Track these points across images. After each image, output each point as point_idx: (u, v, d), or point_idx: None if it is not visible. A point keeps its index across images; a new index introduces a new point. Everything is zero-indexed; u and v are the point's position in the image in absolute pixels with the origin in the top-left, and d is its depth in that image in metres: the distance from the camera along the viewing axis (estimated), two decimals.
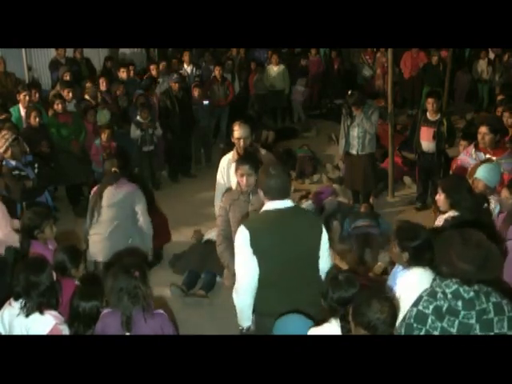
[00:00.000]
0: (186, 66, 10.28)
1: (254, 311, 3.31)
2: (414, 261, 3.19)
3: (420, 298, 2.66)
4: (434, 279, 2.71)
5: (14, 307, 3.22)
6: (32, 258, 3.60)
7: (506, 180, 4.63)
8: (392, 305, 2.54)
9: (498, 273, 2.66)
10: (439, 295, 2.59)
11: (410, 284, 3.11)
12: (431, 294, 2.64)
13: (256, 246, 3.12)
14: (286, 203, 3.23)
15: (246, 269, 3.17)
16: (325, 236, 3.32)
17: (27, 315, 3.14)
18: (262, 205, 3.32)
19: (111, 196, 4.89)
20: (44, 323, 3.12)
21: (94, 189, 5.07)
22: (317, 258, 3.31)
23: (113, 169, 5.09)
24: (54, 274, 3.36)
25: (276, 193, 3.21)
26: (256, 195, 3.66)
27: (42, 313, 3.14)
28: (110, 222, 4.90)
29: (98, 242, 4.90)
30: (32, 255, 3.88)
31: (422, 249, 3.18)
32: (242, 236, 3.15)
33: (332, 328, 2.74)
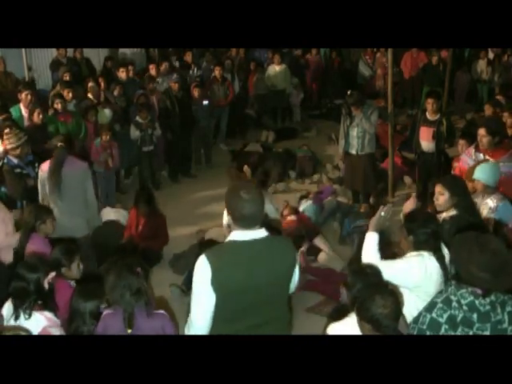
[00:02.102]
0: None
1: None
2: (419, 245, 3.31)
3: (434, 305, 2.64)
4: (449, 284, 2.70)
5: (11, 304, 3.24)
6: (27, 259, 3.58)
7: (503, 182, 4.61)
8: (395, 300, 2.58)
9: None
10: (454, 304, 2.57)
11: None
12: (445, 301, 2.61)
13: (218, 284, 2.64)
14: (258, 233, 2.74)
15: (201, 309, 2.71)
16: (297, 263, 2.88)
17: (16, 319, 3.14)
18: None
19: (65, 175, 5.00)
20: (34, 324, 3.10)
21: (44, 167, 5.07)
22: (287, 290, 2.88)
23: (59, 144, 5.12)
24: (52, 275, 3.34)
25: (249, 221, 2.71)
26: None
27: (30, 315, 3.14)
28: (71, 200, 5.03)
29: (66, 221, 4.97)
30: (29, 254, 3.87)
31: (428, 236, 3.31)
32: (203, 271, 2.65)
33: (353, 322, 2.78)
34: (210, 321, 2.71)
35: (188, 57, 10.30)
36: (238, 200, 2.68)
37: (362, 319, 2.64)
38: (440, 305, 2.62)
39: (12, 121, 6.33)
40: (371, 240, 3.42)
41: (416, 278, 3.21)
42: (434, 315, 2.62)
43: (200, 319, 2.72)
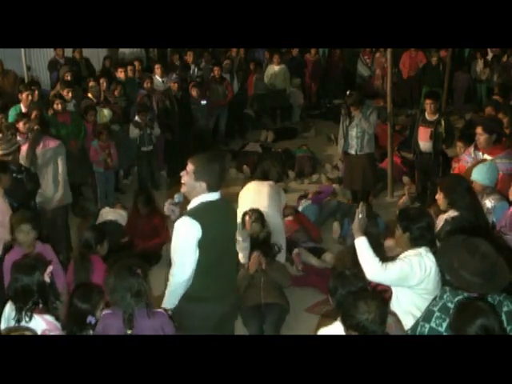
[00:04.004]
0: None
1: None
2: (416, 241, 3.31)
3: (431, 313, 2.62)
4: (444, 290, 2.70)
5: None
6: (24, 260, 3.54)
7: (500, 179, 4.64)
8: (379, 304, 2.56)
9: (505, 285, 2.64)
10: (452, 311, 2.56)
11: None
12: (443, 309, 2.59)
13: (205, 238, 3.21)
14: (218, 194, 3.38)
15: (190, 260, 3.25)
16: None
17: (18, 322, 3.13)
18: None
19: (41, 156, 5.81)
20: (33, 327, 3.05)
21: (25, 148, 5.78)
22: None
23: (35, 127, 5.97)
24: (50, 268, 3.33)
25: (219, 185, 3.37)
26: None
27: (30, 318, 3.13)
28: (44, 177, 5.80)
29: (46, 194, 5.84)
30: (29, 255, 3.83)
31: (423, 230, 3.30)
32: (192, 230, 3.21)
33: (341, 326, 2.75)
34: (192, 272, 3.26)
35: (189, 57, 10.29)
36: (215, 168, 3.31)
37: (348, 328, 2.60)
38: (438, 313, 2.61)
39: (22, 115, 6.42)
40: (362, 245, 3.34)
41: (417, 278, 3.20)
42: (432, 324, 2.60)
43: (187, 271, 3.27)
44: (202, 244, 3.22)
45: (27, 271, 3.21)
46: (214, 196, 3.33)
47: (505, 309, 2.57)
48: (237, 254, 3.74)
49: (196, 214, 3.26)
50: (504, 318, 2.54)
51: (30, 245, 4.09)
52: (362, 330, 2.51)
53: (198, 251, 3.23)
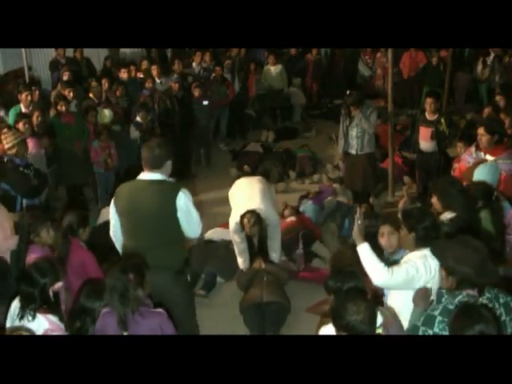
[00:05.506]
0: (195, 65, 10.35)
1: None
2: (421, 241, 3.32)
3: (433, 318, 2.62)
4: (440, 294, 2.71)
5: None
6: (40, 260, 3.52)
7: (502, 179, 4.64)
8: (368, 305, 2.58)
9: (497, 277, 2.69)
10: (454, 312, 2.57)
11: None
12: (444, 312, 2.60)
13: (116, 205, 3.82)
14: (154, 176, 3.72)
15: (112, 221, 3.89)
16: (184, 203, 3.69)
17: (21, 319, 3.13)
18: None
19: None
20: (36, 327, 3.08)
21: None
22: (171, 225, 3.73)
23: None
24: (58, 285, 3.31)
25: (146, 163, 3.73)
26: None
27: (34, 318, 3.12)
28: None
29: None
30: (39, 258, 3.81)
31: (428, 229, 3.32)
32: (114, 196, 3.87)
33: None
34: (118, 233, 3.86)
35: (197, 57, 10.30)
36: (145, 149, 3.74)
37: (338, 329, 2.61)
38: (439, 318, 2.61)
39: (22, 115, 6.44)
40: (365, 252, 3.32)
41: (423, 280, 3.21)
42: (436, 330, 2.59)
43: (111, 230, 3.90)
44: (116, 210, 3.81)
45: (38, 273, 3.20)
46: (146, 176, 3.75)
47: (501, 300, 2.63)
48: (172, 234, 3.80)
49: (122, 186, 3.90)
50: (502, 309, 2.58)
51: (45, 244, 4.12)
52: (351, 331, 2.53)
53: (116, 216, 3.83)
